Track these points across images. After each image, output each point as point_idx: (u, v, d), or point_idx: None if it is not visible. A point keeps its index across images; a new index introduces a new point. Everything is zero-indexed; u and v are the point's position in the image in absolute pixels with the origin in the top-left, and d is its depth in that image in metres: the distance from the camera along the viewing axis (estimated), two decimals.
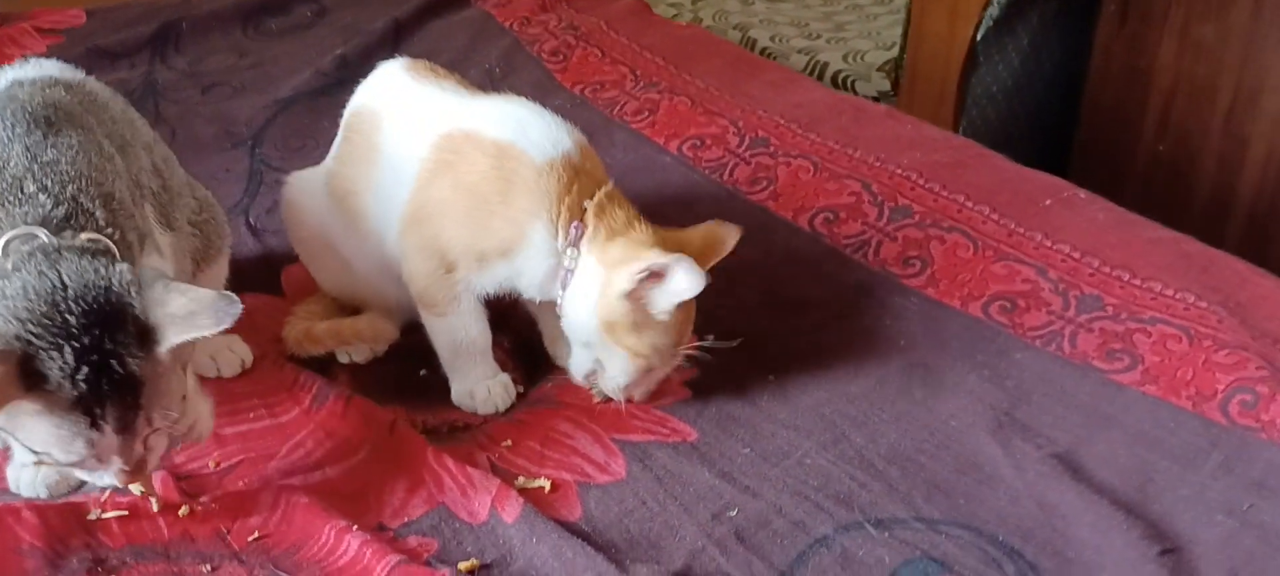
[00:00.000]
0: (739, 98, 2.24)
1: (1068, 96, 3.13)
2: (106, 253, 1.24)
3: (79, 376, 1.17)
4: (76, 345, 1.17)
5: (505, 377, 1.59)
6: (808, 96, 2.28)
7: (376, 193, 1.59)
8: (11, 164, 1.30)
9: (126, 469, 1.24)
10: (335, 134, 2.24)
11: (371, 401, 1.53)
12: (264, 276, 1.82)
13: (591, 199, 1.49)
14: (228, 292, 1.23)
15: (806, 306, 1.71)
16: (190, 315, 1.21)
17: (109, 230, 1.28)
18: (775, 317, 1.69)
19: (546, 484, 1.40)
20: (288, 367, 1.61)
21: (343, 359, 1.64)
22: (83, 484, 1.37)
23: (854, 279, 1.78)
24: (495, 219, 1.50)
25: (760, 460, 1.43)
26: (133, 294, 1.21)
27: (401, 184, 1.55)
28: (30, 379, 1.15)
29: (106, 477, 1.25)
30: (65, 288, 1.19)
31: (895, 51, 3.16)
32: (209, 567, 1.27)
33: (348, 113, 1.67)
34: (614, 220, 1.48)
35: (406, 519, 1.36)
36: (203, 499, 1.37)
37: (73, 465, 1.23)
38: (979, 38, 2.91)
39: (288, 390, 1.58)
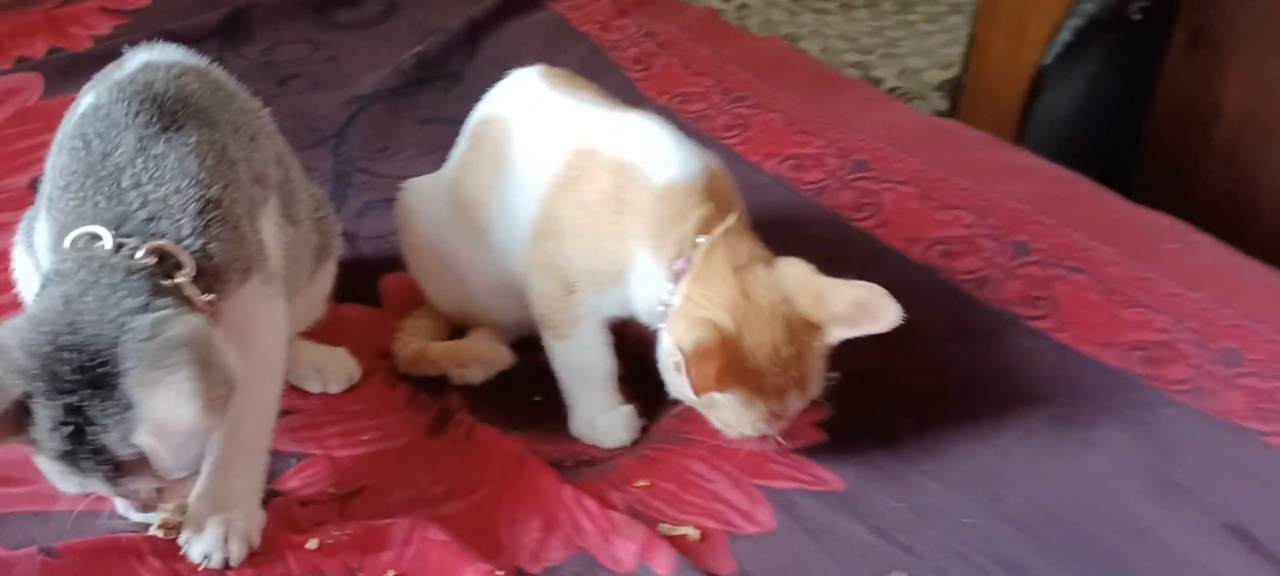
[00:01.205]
0: (830, 117, 2.12)
1: (1129, 128, 3.05)
2: (154, 273, 1.10)
3: (66, 433, 1.05)
4: (65, 401, 1.04)
5: (629, 409, 1.46)
6: (898, 118, 2.17)
7: (503, 206, 1.46)
8: (117, 153, 1.17)
9: (138, 508, 1.13)
10: (417, 136, 2.16)
11: (496, 430, 1.41)
12: (360, 285, 1.68)
13: (709, 234, 1.35)
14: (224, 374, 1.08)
15: (930, 343, 1.60)
16: (163, 420, 1.04)
17: (191, 240, 1.14)
18: (897, 353, 1.57)
19: (695, 532, 1.29)
20: (399, 387, 1.50)
21: (456, 381, 1.52)
22: None
23: (976, 318, 1.67)
24: (606, 241, 1.38)
25: (914, 516, 1.32)
26: (138, 351, 1.04)
27: (530, 198, 1.43)
28: (22, 418, 1.05)
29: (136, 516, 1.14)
30: (73, 329, 1.05)
31: (953, 71, 3.06)
32: None
33: (475, 119, 1.54)
34: (708, 269, 1.32)
35: (547, 564, 1.24)
36: (333, 533, 1.25)
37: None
38: (1046, 62, 2.82)
39: (400, 412, 1.46)
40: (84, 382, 1.04)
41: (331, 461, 1.38)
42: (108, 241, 1.10)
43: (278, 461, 1.35)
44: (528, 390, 1.52)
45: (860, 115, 2.15)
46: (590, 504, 1.30)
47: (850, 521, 1.31)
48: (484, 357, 1.51)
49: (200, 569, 1.17)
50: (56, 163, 1.22)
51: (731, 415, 1.33)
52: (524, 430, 1.46)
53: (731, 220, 1.37)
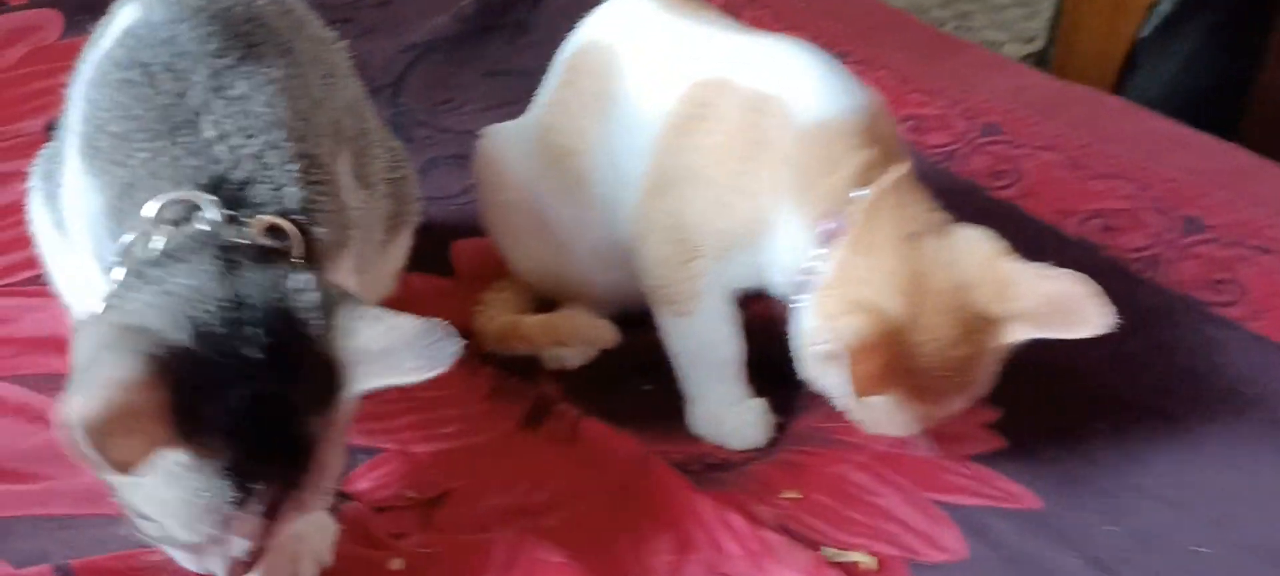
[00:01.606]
0: (950, 78, 1.86)
1: (1229, 112, 2.79)
2: (282, 252, 0.86)
3: (248, 435, 0.80)
4: (246, 391, 0.80)
5: (761, 403, 1.20)
6: (1026, 81, 1.91)
7: (608, 153, 1.19)
8: (191, 92, 0.90)
9: (244, 561, 0.85)
10: (481, 88, 1.89)
11: (606, 425, 1.16)
12: (429, 251, 1.39)
13: (869, 187, 1.08)
14: (438, 322, 0.85)
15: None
16: (387, 353, 0.83)
17: (298, 213, 0.89)
18: (1068, 342, 1.31)
19: (871, 560, 1.03)
20: (483, 371, 1.24)
21: (550, 363, 1.26)
22: None
23: (1152, 302, 1.42)
24: (737, 193, 1.11)
25: (1133, 542, 1.06)
26: (315, 321, 0.83)
27: (641, 144, 1.16)
28: (182, 420, 0.78)
29: (210, 564, 0.85)
30: (240, 304, 0.81)
31: (1035, 45, 2.82)
32: None
33: (570, 51, 1.26)
34: (873, 235, 1.06)
35: None
36: (419, 550, 0.99)
37: (175, 543, 0.84)
38: (1141, 38, 2.57)
39: (486, 400, 1.21)
40: (273, 362, 0.80)
41: (407, 458, 1.12)
42: (213, 214, 0.86)
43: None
44: (635, 376, 1.27)
45: (983, 77, 1.88)
46: (736, 520, 1.04)
47: (1059, 549, 1.05)
48: (585, 334, 1.25)
49: None
50: (99, 98, 0.94)
51: (878, 415, 1.07)
52: (632, 426, 1.19)
53: (900, 171, 1.10)
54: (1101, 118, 1.79)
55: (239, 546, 0.83)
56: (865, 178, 1.08)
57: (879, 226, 1.07)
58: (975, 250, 1.07)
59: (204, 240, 0.84)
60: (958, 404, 1.09)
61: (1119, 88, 2.63)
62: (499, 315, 1.27)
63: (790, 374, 1.28)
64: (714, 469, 1.15)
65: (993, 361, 1.08)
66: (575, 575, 0.97)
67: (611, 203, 1.20)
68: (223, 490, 0.80)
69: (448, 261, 1.42)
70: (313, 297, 0.83)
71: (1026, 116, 1.76)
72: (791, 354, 1.19)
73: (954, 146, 1.69)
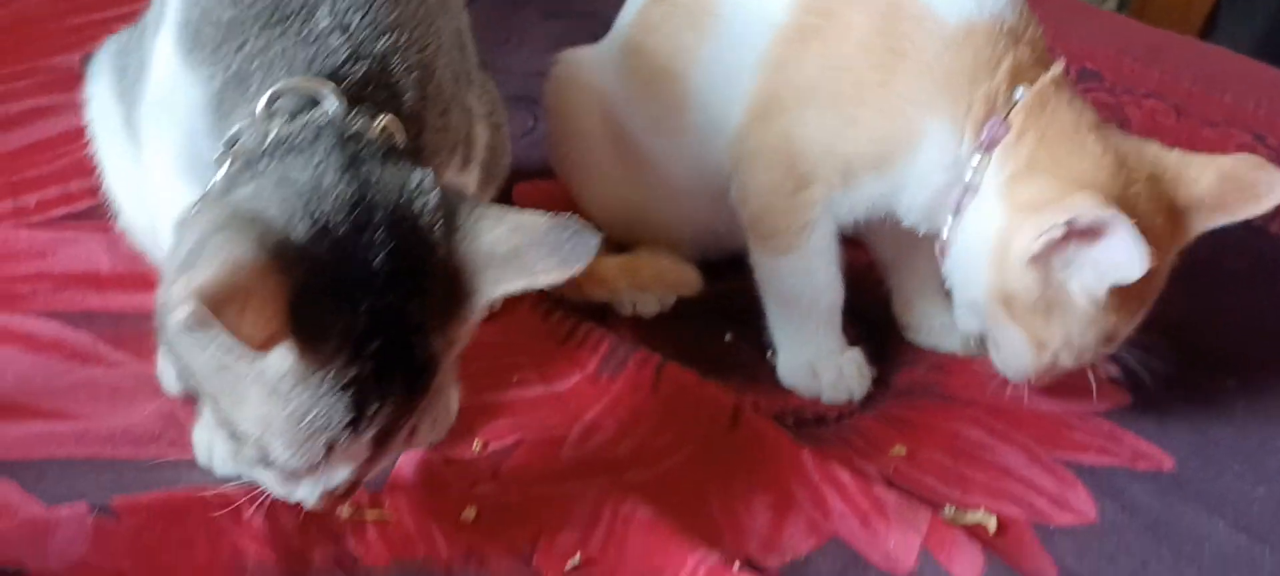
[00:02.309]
0: (1042, 23, 1.76)
1: None
2: (407, 153, 0.78)
3: (370, 349, 0.71)
4: (368, 299, 0.71)
5: (857, 354, 1.10)
6: (1120, 27, 1.80)
7: (703, 74, 1.08)
8: None
9: (341, 492, 0.77)
10: (542, 29, 1.77)
11: (693, 373, 1.05)
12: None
13: (1029, 85, 0.98)
14: (569, 217, 0.75)
15: (1224, 283, 1.23)
16: (516, 255, 0.74)
17: (411, 124, 0.80)
18: (1194, 294, 1.18)
19: (991, 521, 0.93)
20: (554, 316, 1.13)
21: (624, 308, 1.15)
22: None
23: (1274, 254, 1.31)
24: (869, 109, 1.00)
25: None
26: (438, 225, 0.74)
27: (744, 61, 1.05)
28: (298, 321, 0.69)
29: (302, 493, 0.77)
30: (364, 202, 0.72)
31: (1110, 4, 2.71)
32: None
33: None
34: (1051, 129, 0.97)
35: (789, 556, 0.88)
36: (493, 501, 0.89)
37: (276, 469, 0.75)
38: None
39: (559, 345, 1.10)
40: (402, 272, 0.72)
41: (476, 405, 1.02)
42: (333, 104, 0.77)
43: None
44: (715, 327, 1.17)
45: (1074, 22, 1.76)
46: (842, 475, 0.93)
47: (1200, 513, 0.94)
48: (668, 278, 1.14)
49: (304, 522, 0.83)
50: None
51: (1066, 330, 0.96)
52: (714, 379, 1.07)
53: (1058, 67, 1.00)
54: (1203, 64, 1.68)
55: (338, 476, 0.75)
56: (1023, 78, 0.98)
57: (1057, 120, 0.98)
58: (1144, 145, 1.00)
59: (323, 132, 0.75)
60: (1140, 317, 1.00)
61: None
62: None
63: (884, 325, 1.20)
64: (807, 424, 1.05)
65: (1166, 270, 0.99)
66: (667, 534, 0.86)
67: (707, 129, 1.09)
68: (335, 410, 0.71)
69: (508, 204, 1.34)
70: (434, 198, 0.75)
71: (1126, 62, 1.64)
72: (947, 280, 1.06)
73: None
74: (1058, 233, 0.92)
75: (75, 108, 1.48)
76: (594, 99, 1.18)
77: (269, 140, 0.75)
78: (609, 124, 1.17)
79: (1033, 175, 0.96)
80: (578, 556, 0.86)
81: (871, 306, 1.19)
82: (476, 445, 0.98)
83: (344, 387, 0.71)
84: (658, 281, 1.15)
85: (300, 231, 0.71)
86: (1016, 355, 1.00)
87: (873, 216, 1.05)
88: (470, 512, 0.88)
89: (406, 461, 0.91)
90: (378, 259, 0.72)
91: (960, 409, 1.05)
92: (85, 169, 1.38)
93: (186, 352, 0.73)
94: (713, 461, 0.97)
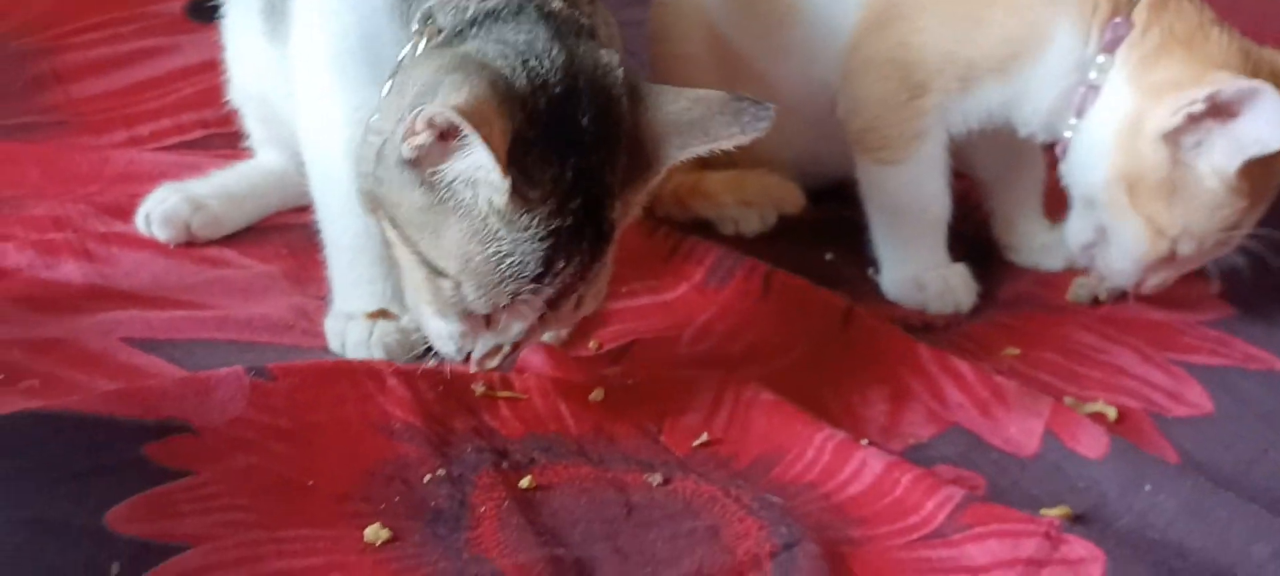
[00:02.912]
0: None
1: None
2: (591, 31, 0.82)
3: (572, 205, 0.76)
4: (581, 162, 0.76)
5: (963, 268, 1.11)
6: None
7: None
8: None
9: (506, 348, 0.81)
10: None
11: (804, 280, 1.07)
12: None
13: None
14: (740, 94, 0.80)
15: None
16: (698, 122, 0.79)
17: (580, 12, 0.84)
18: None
19: (1112, 411, 0.93)
20: (658, 233, 1.16)
21: (726, 227, 1.18)
22: (427, 351, 0.93)
23: None
24: (997, 9, 1.02)
25: None
26: (625, 100, 0.79)
27: None
28: (518, 168, 0.74)
29: (468, 347, 0.81)
30: (572, 68, 0.77)
31: None
32: (659, 477, 0.81)
33: None
34: (1177, 23, 0.99)
35: (911, 440, 0.90)
36: (619, 383, 0.90)
37: (458, 314, 0.80)
38: None
39: (665, 260, 1.13)
40: (602, 137, 0.77)
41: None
42: None
43: None
44: (815, 246, 1.19)
45: None
46: (962, 366, 0.95)
47: None
48: (774, 194, 1.16)
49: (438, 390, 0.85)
50: None
51: (1187, 217, 0.98)
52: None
53: None
54: None
55: (513, 331, 0.79)
56: None
57: (1181, 16, 1.00)
58: (1263, 49, 1.01)
59: (525, 7, 0.80)
60: (1260, 210, 1.02)
61: None
62: (673, 174, 1.19)
63: (985, 247, 1.21)
64: (916, 331, 1.05)
65: None
66: (791, 414, 0.88)
67: (815, 44, 1.11)
68: (531, 258, 0.76)
69: None
70: (620, 75, 0.80)
71: None
72: (1064, 180, 1.08)
73: None
74: (1199, 107, 0.95)
75: (178, 50, 1.55)
76: (697, 23, 1.20)
77: (471, 13, 0.80)
78: (713, 47, 1.19)
79: (1164, 58, 0.99)
80: (704, 435, 0.88)
81: (971, 230, 1.21)
82: (593, 344, 1.00)
83: (543, 238, 0.76)
84: (763, 196, 1.17)
85: (521, 83, 0.76)
86: (1133, 245, 1.01)
87: (987, 126, 1.07)
88: (598, 394, 0.90)
89: (534, 352, 0.94)
90: (585, 120, 0.77)
91: (1070, 315, 1.07)
92: (193, 104, 1.45)
93: (395, 192, 0.77)
94: (826, 359, 0.99)
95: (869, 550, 0.76)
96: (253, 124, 1.18)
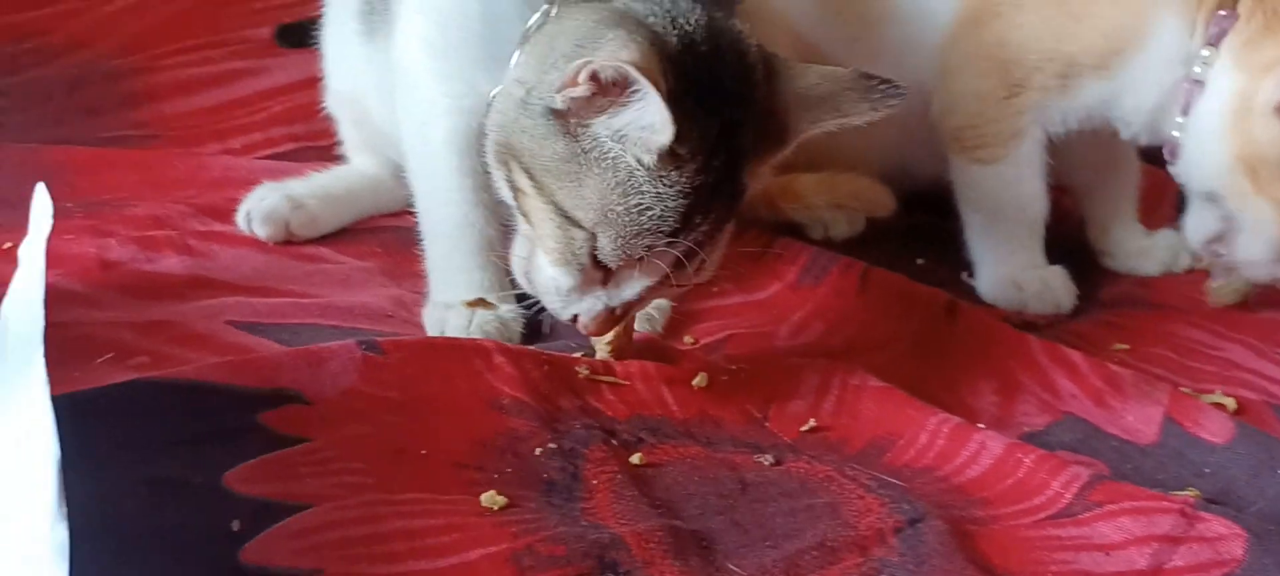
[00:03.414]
0: None
1: None
2: (726, 2, 0.84)
3: (715, 163, 0.76)
4: (725, 119, 0.77)
5: (1061, 269, 1.09)
6: None
7: None
8: None
9: (618, 310, 0.80)
10: None
11: (900, 274, 1.05)
12: None
13: None
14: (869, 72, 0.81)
15: None
16: (829, 98, 0.80)
17: None
18: None
19: (1230, 402, 0.90)
20: (747, 234, 1.12)
21: (815, 232, 1.16)
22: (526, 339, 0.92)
23: None
24: (1099, 4, 1.00)
25: None
26: (761, 70, 0.80)
27: None
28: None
29: (584, 307, 0.80)
30: (718, 34, 0.79)
31: None
32: (770, 458, 0.79)
33: None
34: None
35: (1025, 428, 0.87)
36: (722, 371, 0.88)
37: (585, 269, 0.78)
38: None
39: (754, 261, 1.11)
40: (739, 101, 0.78)
41: (679, 312, 1.00)
42: None
43: None
44: (906, 250, 1.17)
45: None
46: (1074, 357, 0.93)
47: None
48: (866, 196, 1.15)
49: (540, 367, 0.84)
50: None
51: None
52: None
53: None
54: None
55: (626, 292, 0.79)
56: None
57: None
58: None
59: None
60: None
61: None
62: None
63: (1079, 253, 1.19)
64: (1020, 329, 1.03)
65: None
66: (901, 401, 0.86)
67: (906, 44, 1.10)
68: (671, 212, 0.76)
69: None
70: (756, 47, 0.81)
71: None
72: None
73: None
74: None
75: (267, 71, 1.58)
76: (780, 28, 1.18)
77: None
78: (797, 53, 1.18)
79: (1269, 38, 0.96)
80: (811, 421, 0.85)
81: (1066, 237, 1.19)
82: (688, 339, 0.98)
83: (686, 193, 0.76)
84: (854, 198, 1.16)
85: (672, 42, 0.76)
86: (1265, 230, 0.98)
87: (1086, 126, 1.05)
88: (701, 379, 0.88)
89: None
90: (729, 80, 0.78)
91: (1176, 314, 1.04)
92: (282, 120, 1.47)
93: (535, 141, 0.78)
94: (930, 352, 0.97)
95: (995, 529, 0.74)
96: (347, 129, 1.20)
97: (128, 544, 0.63)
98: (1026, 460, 0.78)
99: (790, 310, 1.04)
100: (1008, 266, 1.08)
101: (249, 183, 1.18)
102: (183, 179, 1.22)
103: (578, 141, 0.76)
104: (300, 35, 1.43)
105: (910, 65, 1.10)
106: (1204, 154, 0.99)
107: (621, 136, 0.75)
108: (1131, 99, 1.01)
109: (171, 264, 1.02)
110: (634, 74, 0.71)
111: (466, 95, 0.90)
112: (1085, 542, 0.72)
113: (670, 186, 0.75)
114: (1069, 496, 0.75)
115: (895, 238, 1.19)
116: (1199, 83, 0.98)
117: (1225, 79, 0.98)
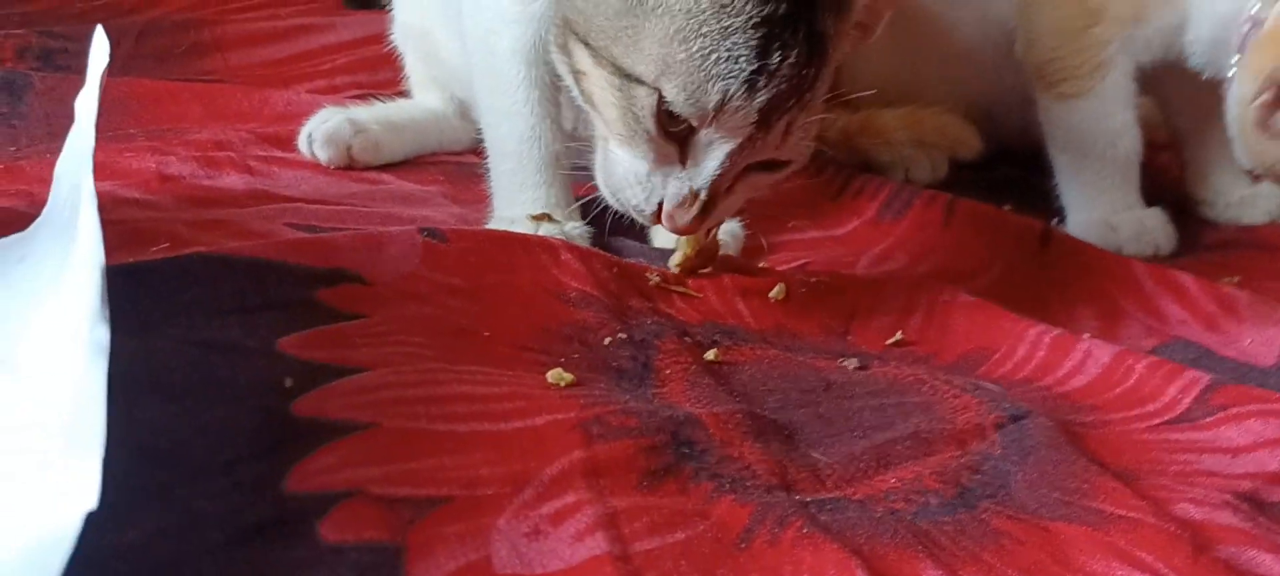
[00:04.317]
0: None
1: None
2: None
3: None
4: None
5: (1159, 210, 1.02)
6: None
7: None
8: None
9: (704, 193, 0.73)
10: None
11: (991, 204, 0.99)
12: None
13: None
14: None
15: None
16: None
17: None
18: None
19: None
20: (825, 173, 1.09)
21: (895, 173, 1.11)
22: None
23: None
24: None
25: None
26: None
27: None
28: None
29: (668, 191, 0.73)
30: None
31: None
32: (855, 363, 0.73)
33: None
34: None
35: (1134, 348, 0.79)
36: (801, 282, 0.83)
37: (657, 143, 0.73)
38: None
39: (832, 199, 1.06)
40: None
41: (754, 245, 0.94)
42: None
43: None
44: (990, 198, 1.10)
45: None
46: (1185, 279, 0.86)
47: None
48: (949, 132, 1.09)
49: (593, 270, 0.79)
50: None
51: None
52: None
53: None
54: None
55: (707, 168, 0.72)
56: None
57: None
58: None
59: None
60: None
61: None
62: (840, 114, 1.13)
63: (1177, 202, 1.11)
64: None
65: None
66: (995, 313, 0.79)
67: None
68: (741, 52, 0.69)
69: None
70: None
71: None
72: (1187, 167, 1.02)
73: None
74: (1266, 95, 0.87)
75: (333, 29, 1.56)
76: None
77: None
78: None
79: (1267, 41, 0.89)
80: (898, 334, 0.79)
81: (1163, 192, 1.12)
82: (760, 263, 0.93)
83: (755, 26, 0.69)
84: (938, 135, 1.10)
85: None
86: None
87: (1168, 55, 0.99)
88: (779, 291, 0.82)
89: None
90: None
91: None
92: (346, 70, 1.45)
93: (591, 3, 0.73)
94: (1024, 279, 0.90)
95: (1107, 432, 0.67)
96: (413, 63, 1.17)
97: (176, 396, 0.58)
98: (1138, 366, 0.71)
99: (871, 243, 0.98)
100: (1100, 206, 1.02)
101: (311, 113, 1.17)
102: (246, 112, 1.19)
103: None
104: None
105: (994, 4, 1.06)
106: (1239, 117, 0.92)
107: None
108: (1194, 30, 0.96)
109: (232, 181, 0.99)
110: None
111: (533, 1, 0.87)
112: (1209, 445, 0.65)
113: (735, 16, 0.69)
114: (1188, 401, 0.68)
115: (981, 186, 1.12)
116: (1258, 23, 0.91)
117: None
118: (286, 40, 1.44)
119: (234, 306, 0.68)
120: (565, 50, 0.77)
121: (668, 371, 0.69)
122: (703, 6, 0.70)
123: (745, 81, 0.69)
